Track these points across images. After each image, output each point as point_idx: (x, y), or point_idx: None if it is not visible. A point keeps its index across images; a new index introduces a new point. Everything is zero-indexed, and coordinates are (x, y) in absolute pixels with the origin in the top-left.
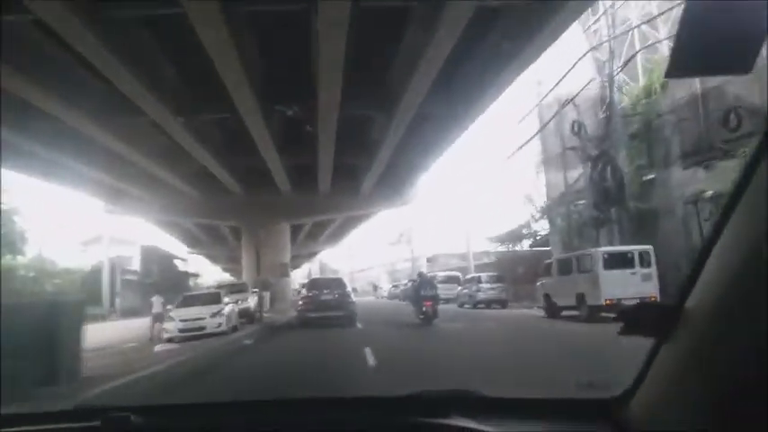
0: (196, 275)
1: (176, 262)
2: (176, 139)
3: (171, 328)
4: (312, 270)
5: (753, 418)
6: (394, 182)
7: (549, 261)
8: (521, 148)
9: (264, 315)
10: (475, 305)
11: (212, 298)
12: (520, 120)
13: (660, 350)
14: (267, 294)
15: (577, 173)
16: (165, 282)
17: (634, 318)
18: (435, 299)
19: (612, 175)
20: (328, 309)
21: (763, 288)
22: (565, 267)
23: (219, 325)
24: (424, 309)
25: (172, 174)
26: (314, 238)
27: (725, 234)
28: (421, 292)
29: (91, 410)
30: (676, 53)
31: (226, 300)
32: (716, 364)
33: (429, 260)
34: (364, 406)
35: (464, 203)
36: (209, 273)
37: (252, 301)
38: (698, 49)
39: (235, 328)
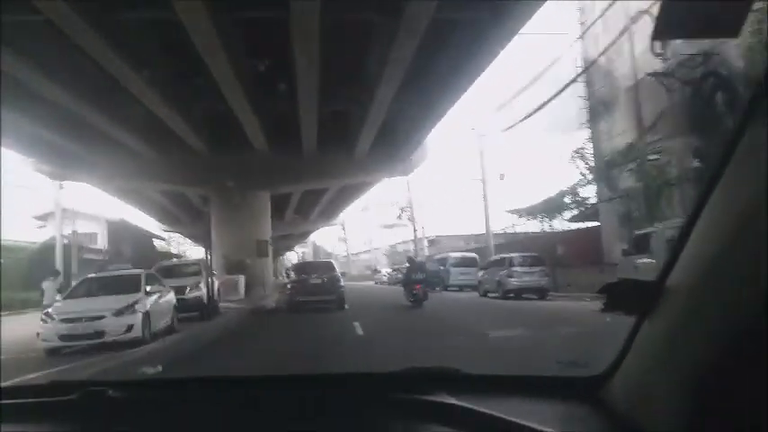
0: (179, 257)
1: (156, 242)
2: (113, 74)
3: (48, 332)
4: (306, 254)
5: (735, 393)
6: (394, 142)
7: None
8: (564, 89)
9: (233, 304)
10: (505, 294)
11: (124, 283)
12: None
13: (642, 327)
14: (241, 279)
15: (651, 112)
16: (140, 263)
17: (616, 294)
18: (425, 282)
19: (727, 104)
20: (317, 293)
21: (743, 265)
22: None
23: (130, 328)
24: (414, 292)
25: (117, 126)
26: (304, 214)
27: (706, 210)
28: (411, 275)
29: (67, 384)
30: (664, 15)
31: (149, 288)
32: (697, 341)
33: (431, 242)
34: (348, 382)
35: (477, 171)
36: (194, 255)
37: (205, 288)
38: (685, 12)
39: (170, 330)
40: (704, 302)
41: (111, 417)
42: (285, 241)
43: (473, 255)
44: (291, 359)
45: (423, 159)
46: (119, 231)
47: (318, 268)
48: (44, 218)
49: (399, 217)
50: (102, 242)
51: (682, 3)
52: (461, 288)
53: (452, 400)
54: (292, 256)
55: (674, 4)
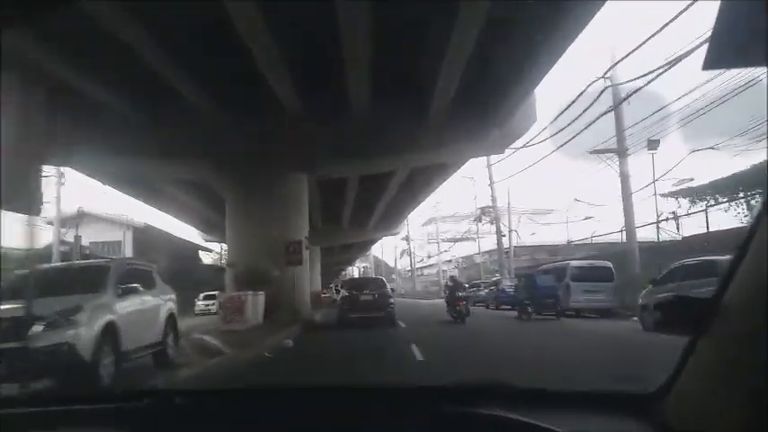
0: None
1: (202, 254)
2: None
3: None
4: (367, 269)
5: None
6: (485, 99)
7: None
8: None
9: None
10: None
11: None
12: None
13: (697, 345)
14: (258, 297)
15: None
16: (182, 278)
17: (671, 312)
18: (467, 299)
19: None
20: (367, 309)
21: None
22: None
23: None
24: (457, 308)
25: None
26: (360, 222)
27: (763, 227)
28: (455, 293)
29: (136, 392)
30: (713, 45)
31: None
32: (753, 360)
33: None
34: (400, 395)
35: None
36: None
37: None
38: (735, 42)
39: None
40: (760, 322)
41: (178, 424)
42: (344, 254)
43: (605, 263)
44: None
45: (528, 127)
46: (149, 239)
47: (369, 284)
48: (64, 222)
49: (478, 220)
50: (128, 252)
51: (733, 33)
52: (581, 313)
53: (503, 413)
54: (353, 272)
55: (724, 34)
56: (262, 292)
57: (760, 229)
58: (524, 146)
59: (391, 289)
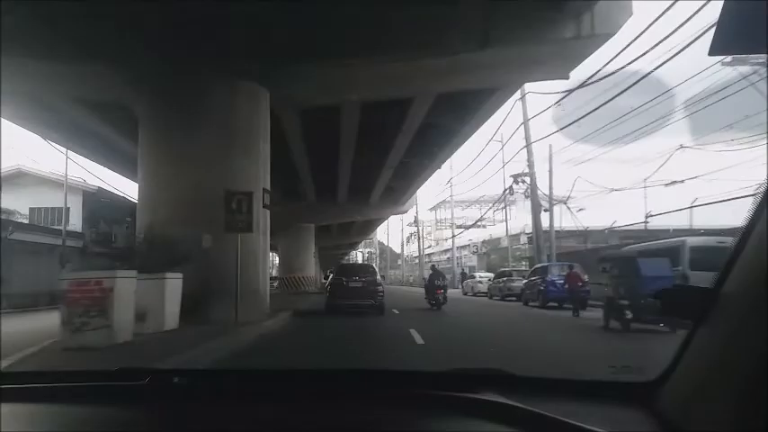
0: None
1: None
2: None
3: None
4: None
5: None
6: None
7: None
8: None
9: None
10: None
11: None
12: None
13: (696, 333)
14: (168, 283)
15: None
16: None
17: (671, 300)
18: (445, 288)
19: None
20: (356, 297)
21: None
22: None
23: None
24: (435, 295)
25: None
26: (361, 190)
27: (764, 217)
28: (434, 281)
29: (135, 371)
30: (720, 30)
31: None
32: (753, 348)
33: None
34: (398, 379)
35: None
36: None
37: None
38: (741, 27)
39: None
40: (759, 310)
41: (177, 402)
42: (343, 236)
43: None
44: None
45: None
46: (101, 206)
47: (359, 271)
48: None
49: (509, 192)
50: (76, 220)
51: (739, 19)
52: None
53: (501, 399)
54: (357, 258)
55: (731, 19)
56: (176, 275)
57: (761, 219)
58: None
59: (382, 276)
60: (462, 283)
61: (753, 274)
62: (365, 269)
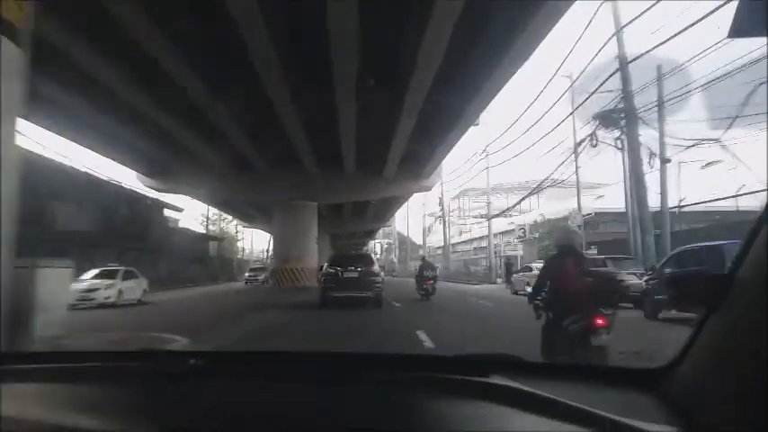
0: (218, 239)
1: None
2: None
3: None
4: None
5: None
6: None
7: None
8: None
9: None
10: None
11: None
12: None
13: (709, 320)
14: None
15: None
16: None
17: (684, 287)
18: (435, 279)
19: None
20: (352, 288)
21: None
22: None
23: None
24: (424, 286)
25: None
26: (374, 156)
27: None
28: (423, 273)
29: (152, 352)
30: (740, 12)
31: None
32: (764, 336)
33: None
34: (407, 363)
35: None
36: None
37: None
38: (762, 9)
39: None
40: None
41: (192, 385)
42: (356, 220)
43: None
44: None
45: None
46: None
47: (355, 261)
48: None
49: (589, 141)
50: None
51: (760, 1)
52: None
53: (510, 383)
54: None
55: (752, 1)
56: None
57: None
58: None
59: (381, 267)
60: (508, 277)
61: (766, 259)
62: (362, 258)
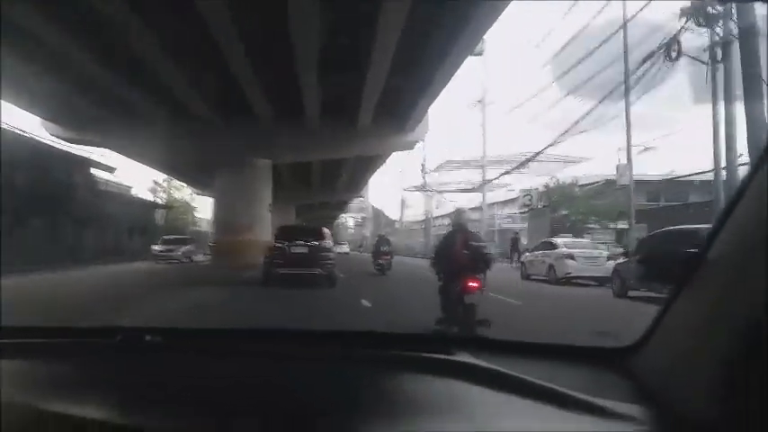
0: (167, 207)
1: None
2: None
3: None
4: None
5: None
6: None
7: None
8: None
9: None
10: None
11: None
12: None
13: (677, 299)
14: None
15: None
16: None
17: (654, 264)
18: (391, 254)
19: None
20: (300, 264)
21: None
22: None
23: None
24: (380, 261)
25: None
26: (345, 101)
27: (752, 186)
28: (379, 248)
29: (106, 329)
30: None
31: None
32: (735, 316)
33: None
34: (371, 340)
35: None
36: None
37: None
38: None
39: None
40: (744, 277)
41: (148, 362)
42: (329, 192)
43: None
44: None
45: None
46: None
47: (305, 234)
48: None
49: (666, 54)
50: None
51: None
52: None
53: (477, 361)
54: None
55: None
56: None
57: (750, 189)
58: None
59: (359, 246)
60: (515, 255)
61: (738, 239)
62: (312, 231)
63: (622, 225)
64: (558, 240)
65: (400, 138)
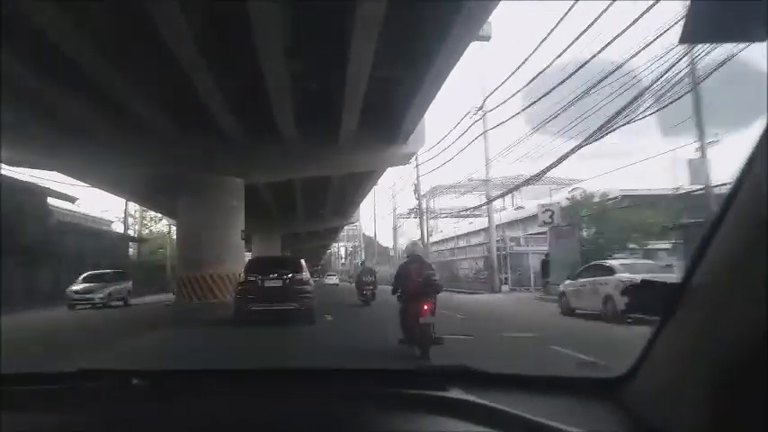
0: (139, 240)
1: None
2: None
3: None
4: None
5: (758, 396)
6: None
7: None
8: None
9: None
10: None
11: None
12: None
13: (664, 329)
14: None
15: None
16: None
17: (639, 296)
18: (374, 284)
19: None
20: (275, 299)
21: (767, 268)
22: None
23: None
24: (364, 292)
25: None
26: (323, 103)
27: (731, 213)
28: (362, 278)
29: (94, 372)
30: (691, 19)
31: None
32: (720, 343)
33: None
34: (361, 378)
35: None
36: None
37: None
38: (713, 16)
39: None
40: (727, 305)
41: (136, 406)
42: (315, 220)
43: None
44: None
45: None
46: None
47: (279, 266)
48: None
49: None
50: None
51: (711, 7)
52: None
53: (467, 396)
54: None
55: (703, 7)
56: None
57: (729, 214)
58: None
59: (350, 276)
60: (547, 283)
61: (720, 267)
62: (287, 263)
63: (663, 245)
64: (615, 263)
65: (392, 150)
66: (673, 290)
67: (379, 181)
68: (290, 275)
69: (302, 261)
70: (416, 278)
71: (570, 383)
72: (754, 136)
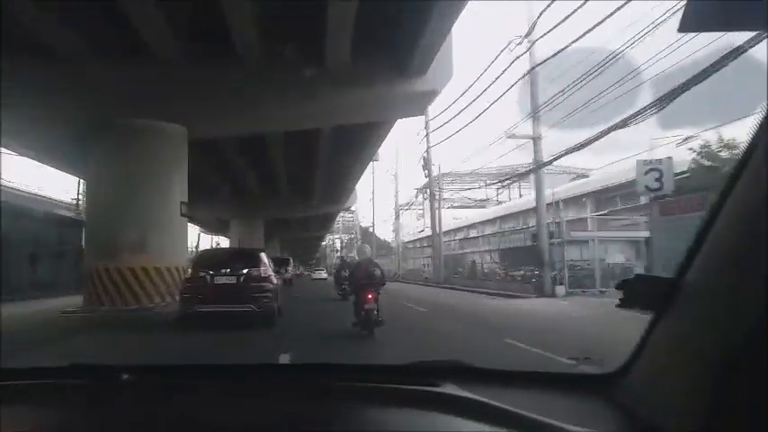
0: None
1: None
2: None
3: None
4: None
5: (750, 392)
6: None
7: None
8: None
9: None
10: None
11: None
12: None
13: (658, 324)
14: None
15: None
16: None
17: (633, 291)
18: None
19: None
20: (226, 299)
21: (761, 263)
22: None
23: None
24: (343, 286)
25: None
26: None
27: (725, 209)
28: (341, 273)
29: (86, 368)
30: (691, 6)
31: None
32: (713, 338)
33: None
34: (355, 373)
35: None
36: None
37: None
38: (713, 3)
39: None
40: (721, 300)
41: (126, 399)
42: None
43: None
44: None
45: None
46: None
47: (233, 260)
48: None
49: None
50: None
51: None
52: None
53: (461, 392)
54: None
55: None
56: None
57: (724, 209)
58: None
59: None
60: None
61: (714, 263)
62: (244, 256)
63: None
64: None
65: (403, 87)
66: (667, 285)
67: (380, 157)
68: (245, 271)
69: (263, 254)
70: (364, 274)
71: (564, 379)
72: (751, 129)
